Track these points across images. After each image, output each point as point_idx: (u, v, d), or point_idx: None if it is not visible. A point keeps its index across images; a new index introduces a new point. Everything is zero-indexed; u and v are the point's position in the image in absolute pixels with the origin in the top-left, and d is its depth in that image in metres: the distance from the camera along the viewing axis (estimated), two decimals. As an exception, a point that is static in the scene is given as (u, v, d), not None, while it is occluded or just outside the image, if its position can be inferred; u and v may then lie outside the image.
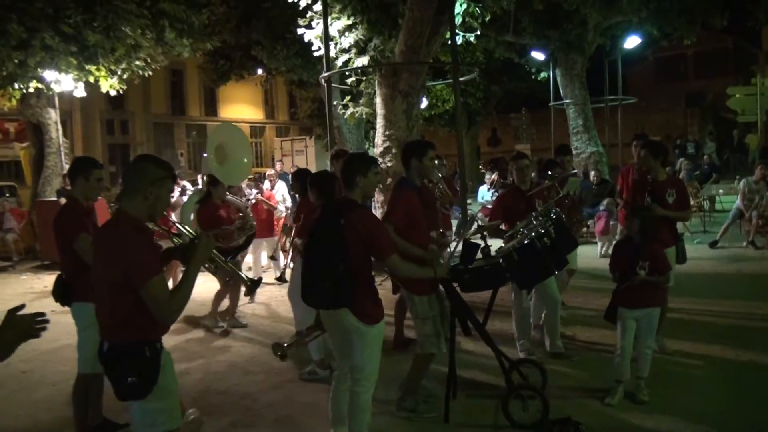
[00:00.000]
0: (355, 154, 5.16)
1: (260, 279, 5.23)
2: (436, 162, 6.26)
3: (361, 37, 12.80)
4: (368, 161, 4.90)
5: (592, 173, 16.54)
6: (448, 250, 7.51)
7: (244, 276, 5.11)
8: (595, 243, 13.64)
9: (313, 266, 4.59)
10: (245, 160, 8.75)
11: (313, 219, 4.88)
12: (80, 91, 16.45)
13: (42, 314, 2.88)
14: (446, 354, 5.53)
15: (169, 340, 8.42)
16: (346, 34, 12.82)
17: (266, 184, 13.25)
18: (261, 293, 11.00)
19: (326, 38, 11.89)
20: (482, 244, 5.84)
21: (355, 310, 4.47)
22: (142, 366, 3.55)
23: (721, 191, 18.27)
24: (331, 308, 4.52)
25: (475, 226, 7.36)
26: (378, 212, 12.17)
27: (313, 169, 10.06)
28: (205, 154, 17.19)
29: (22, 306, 2.85)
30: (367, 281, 4.66)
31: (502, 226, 7.03)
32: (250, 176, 17.49)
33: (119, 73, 16.28)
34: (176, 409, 3.77)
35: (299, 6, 13.06)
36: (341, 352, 4.75)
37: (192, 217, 9.07)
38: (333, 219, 4.53)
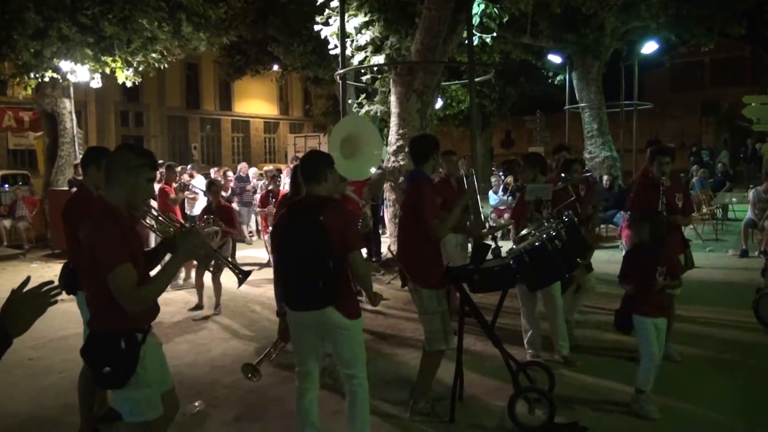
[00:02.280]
0: (316, 151, 5.11)
1: (250, 271, 5.20)
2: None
3: (378, 35, 12.78)
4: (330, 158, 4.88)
5: (605, 177, 16.49)
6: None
7: (234, 268, 5.07)
8: (603, 248, 13.68)
9: (297, 267, 4.48)
10: (376, 152, 8.14)
11: (281, 219, 4.76)
12: (96, 82, 16.50)
13: (50, 282, 2.89)
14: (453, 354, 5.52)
15: (176, 332, 8.48)
16: (363, 31, 12.81)
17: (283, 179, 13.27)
18: (269, 288, 11.01)
19: (342, 35, 11.88)
20: (493, 245, 5.82)
21: (340, 307, 4.45)
22: (117, 357, 3.59)
23: (734, 200, 18.18)
24: (319, 308, 4.43)
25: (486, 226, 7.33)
26: (389, 211, 12.17)
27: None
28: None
29: (28, 280, 2.83)
30: (347, 277, 4.63)
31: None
32: (261, 172, 17.46)
33: (135, 65, 16.32)
34: (155, 401, 3.77)
35: (316, 2, 13.05)
36: (309, 354, 4.73)
37: None
38: (310, 217, 4.44)
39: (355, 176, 8.51)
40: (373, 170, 8.14)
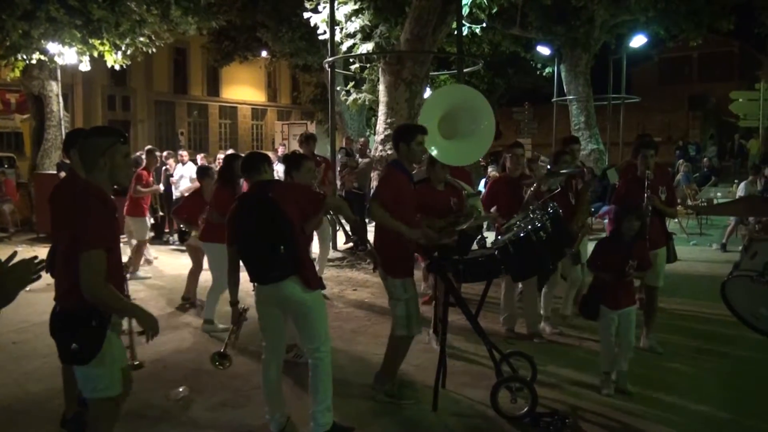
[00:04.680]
0: (255, 152, 5.84)
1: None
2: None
3: (367, 23, 12.78)
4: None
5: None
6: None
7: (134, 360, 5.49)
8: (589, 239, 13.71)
9: (258, 243, 4.74)
10: (486, 123, 6.73)
11: (234, 210, 4.96)
12: (84, 65, 16.38)
13: (35, 257, 2.93)
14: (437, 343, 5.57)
15: (160, 319, 8.42)
16: (352, 19, 12.80)
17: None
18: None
19: (332, 23, 11.87)
20: (479, 236, 5.86)
21: (302, 276, 4.71)
22: (87, 334, 3.67)
23: (719, 194, 18.28)
24: (283, 278, 4.67)
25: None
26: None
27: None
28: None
29: (14, 254, 2.86)
30: (306, 250, 4.97)
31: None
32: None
33: (123, 48, 16.22)
34: (117, 378, 3.82)
35: (306, -12, 13.05)
36: (274, 329, 4.97)
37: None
38: (260, 198, 4.78)
39: (461, 161, 7.24)
40: (474, 149, 6.94)
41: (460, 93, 7.26)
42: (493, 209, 7.38)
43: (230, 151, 15.25)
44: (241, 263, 4.97)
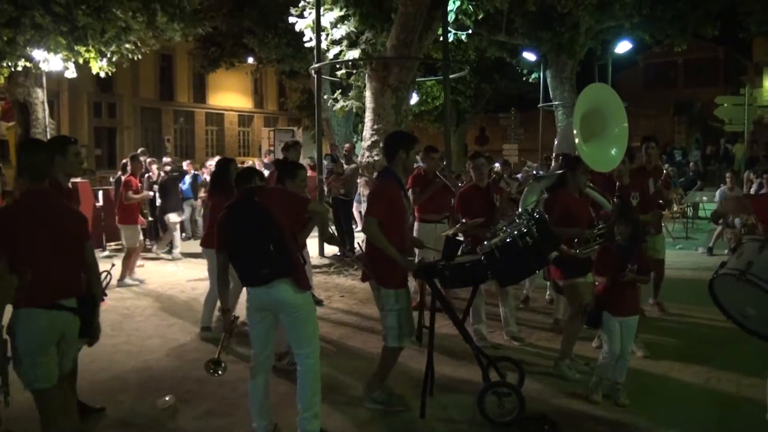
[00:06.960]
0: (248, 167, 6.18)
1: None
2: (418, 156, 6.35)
3: (353, 29, 12.80)
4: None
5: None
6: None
7: None
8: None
9: (247, 245, 4.73)
10: (617, 130, 6.31)
11: (223, 217, 4.97)
12: (70, 72, 16.31)
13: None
14: (423, 349, 5.56)
15: (148, 326, 8.42)
16: (338, 25, 12.81)
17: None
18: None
19: (318, 29, 11.87)
20: (464, 241, 5.87)
21: (294, 278, 4.72)
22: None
23: (704, 198, 18.41)
24: (274, 278, 4.65)
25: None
26: (363, 206, 12.18)
27: (301, 161, 10.01)
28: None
29: None
30: (296, 253, 4.95)
31: (464, 221, 7.34)
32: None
33: (109, 55, 16.16)
34: None
35: (292, -6, 13.06)
36: (263, 337, 4.97)
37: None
38: (247, 202, 4.84)
39: (599, 166, 6.72)
40: (614, 152, 6.36)
41: (597, 93, 6.96)
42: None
43: (217, 158, 15.18)
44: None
